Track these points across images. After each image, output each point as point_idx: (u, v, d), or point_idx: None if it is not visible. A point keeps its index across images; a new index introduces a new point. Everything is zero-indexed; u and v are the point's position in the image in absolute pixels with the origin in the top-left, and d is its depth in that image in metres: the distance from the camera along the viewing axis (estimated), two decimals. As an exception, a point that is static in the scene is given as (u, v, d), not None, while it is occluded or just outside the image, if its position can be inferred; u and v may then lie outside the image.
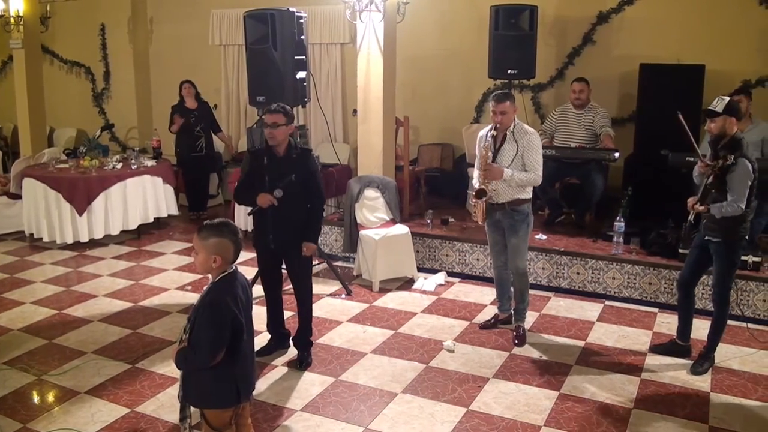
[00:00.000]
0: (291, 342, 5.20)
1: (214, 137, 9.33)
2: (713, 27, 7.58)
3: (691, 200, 4.70)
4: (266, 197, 4.70)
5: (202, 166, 9.19)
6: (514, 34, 7.50)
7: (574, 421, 4.23)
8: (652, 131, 7.19)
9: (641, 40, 7.91)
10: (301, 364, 4.99)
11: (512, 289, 5.59)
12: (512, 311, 5.59)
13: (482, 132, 5.31)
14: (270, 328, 5.20)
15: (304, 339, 5.10)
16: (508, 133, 5.18)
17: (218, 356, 3.02)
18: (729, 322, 5.60)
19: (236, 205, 8.16)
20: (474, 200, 5.33)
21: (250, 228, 8.07)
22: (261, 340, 5.13)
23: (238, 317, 3.06)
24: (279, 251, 4.96)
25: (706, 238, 4.79)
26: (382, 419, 4.28)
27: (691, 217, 4.74)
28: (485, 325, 5.69)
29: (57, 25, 11.49)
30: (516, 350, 5.26)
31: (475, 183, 5.28)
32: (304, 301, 5.09)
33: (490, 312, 5.99)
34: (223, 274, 3.12)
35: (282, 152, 4.82)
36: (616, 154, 6.72)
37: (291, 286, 5.16)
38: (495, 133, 5.17)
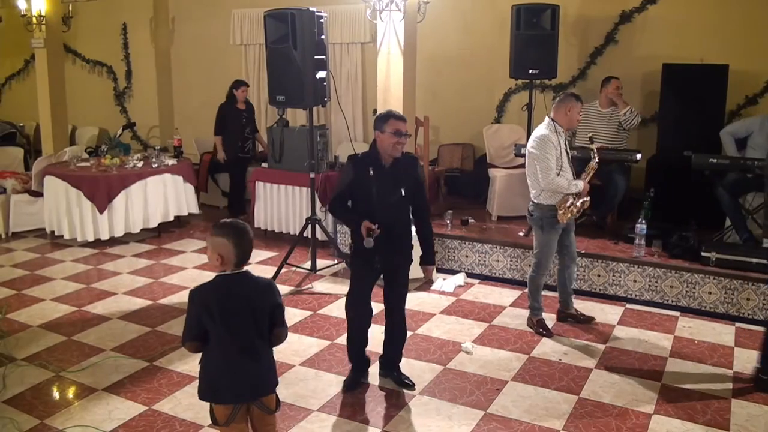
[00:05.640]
0: (380, 363, 4.84)
1: None
2: (737, 26, 7.47)
3: None
4: (366, 227, 4.18)
5: (246, 168, 9.16)
6: (535, 34, 7.43)
7: (593, 426, 4.18)
8: (676, 132, 7.13)
9: (664, 40, 7.81)
10: (412, 385, 4.69)
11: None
12: (571, 298, 5.78)
13: (552, 137, 5.26)
14: (362, 354, 4.78)
15: (400, 358, 4.83)
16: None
17: (187, 346, 3.14)
18: (751, 327, 5.56)
19: (256, 203, 8.20)
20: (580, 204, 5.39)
21: (269, 227, 8.17)
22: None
23: (203, 318, 3.05)
24: (383, 271, 4.53)
25: None
26: (399, 421, 4.25)
27: None
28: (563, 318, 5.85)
29: (79, 24, 11.55)
30: (535, 353, 5.21)
31: (576, 188, 5.33)
32: (403, 321, 4.75)
33: (509, 314, 5.96)
34: (221, 274, 3.11)
35: (390, 162, 4.37)
36: (638, 155, 6.64)
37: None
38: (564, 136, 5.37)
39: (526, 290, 6.42)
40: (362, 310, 4.65)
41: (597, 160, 5.50)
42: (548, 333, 5.53)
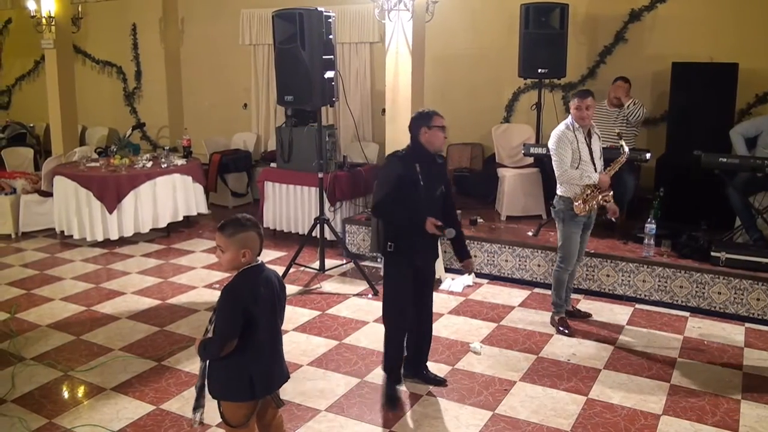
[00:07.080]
0: (411, 364, 4.74)
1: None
2: (747, 25, 7.42)
3: None
4: (432, 224, 4.23)
5: None
6: (544, 33, 7.43)
7: (601, 427, 4.16)
8: (685, 131, 7.08)
9: (674, 39, 7.77)
10: (443, 380, 4.72)
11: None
12: (570, 295, 5.82)
13: (567, 133, 5.34)
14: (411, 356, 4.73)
15: (427, 357, 4.81)
16: (591, 130, 5.47)
17: (227, 346, 3.02)
18: (761, 327, 5.52)
19: (265, 203, 8.20)
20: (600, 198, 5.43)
21: (278, 227, 8.17)
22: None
23: (249, 309, 3.01)
24: (424, 269, 4.55)
25: None
26: (407, 421, 4.24)
27: None
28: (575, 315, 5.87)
29: (89, 25, 11.61)
30: (544, 353, 5.19)
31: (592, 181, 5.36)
32: (431, 318, 4.74)
33: (518, 314, 5.95)
34: (245, 267, 3.09)
35: (431, 159, 4.44)
36: (648, 155, 6.61)
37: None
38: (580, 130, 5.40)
39: (535, 290, 6.44)
40: (407, 314, 4.55)
41: (626, 155, 5.53)
42: (570, 332, 5.51)
